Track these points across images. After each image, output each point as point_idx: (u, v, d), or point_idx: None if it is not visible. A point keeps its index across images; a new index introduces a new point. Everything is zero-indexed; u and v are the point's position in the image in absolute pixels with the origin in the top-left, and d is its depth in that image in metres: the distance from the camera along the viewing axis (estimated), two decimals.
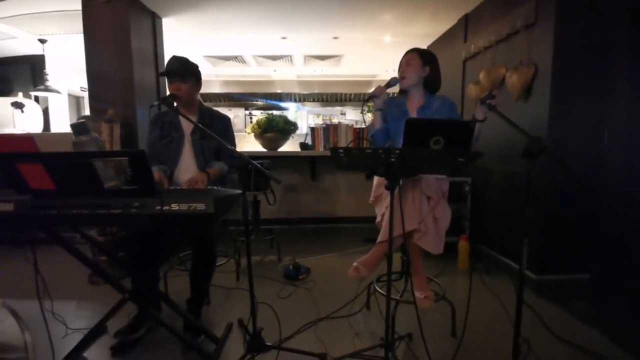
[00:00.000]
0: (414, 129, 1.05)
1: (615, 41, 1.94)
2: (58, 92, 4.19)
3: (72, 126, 1.50)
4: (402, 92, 1.74)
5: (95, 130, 2.30)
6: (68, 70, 4.71)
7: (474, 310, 1.81)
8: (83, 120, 2.06)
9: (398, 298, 1.58)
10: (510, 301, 1.78)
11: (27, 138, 0.99)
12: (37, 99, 4.42)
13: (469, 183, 2.68)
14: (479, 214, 2.70)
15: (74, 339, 1.46)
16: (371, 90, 6.98)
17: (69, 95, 5.03)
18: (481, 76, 2.57)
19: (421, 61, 1.63)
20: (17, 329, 0.93)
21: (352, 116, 7.34)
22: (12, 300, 1.96)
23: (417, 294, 1.48)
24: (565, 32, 1.96)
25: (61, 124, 4.77)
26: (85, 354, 1.45)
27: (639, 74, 1.86)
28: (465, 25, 3.05)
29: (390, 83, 1.64)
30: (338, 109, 7.37)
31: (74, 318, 1.74)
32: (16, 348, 0.92)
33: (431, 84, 1.69)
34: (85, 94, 4.28)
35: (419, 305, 1.46)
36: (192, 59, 1.82)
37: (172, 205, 1.12)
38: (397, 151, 0.99)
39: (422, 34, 3.58)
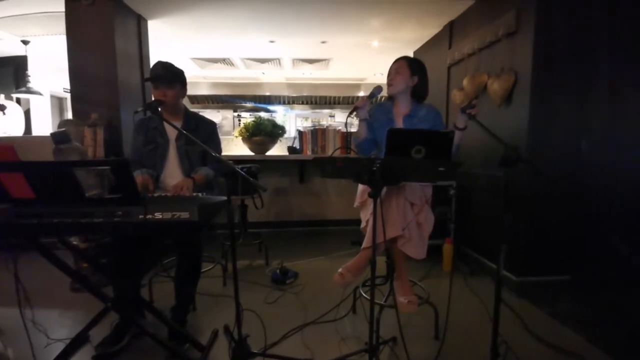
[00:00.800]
0: (395, 139, 1.08)
1: (594, 49, 2.03)
2: (40, 94, 4.09)
3: (53, 135, 1.48)
4: (390, 97, 1.77)
5: (78, 135, 2.26)
6: (51, 71, 4.61)
7: (458, 313, 1.85)
8: (63, 129, 2.02)
9: (382, 302, 1.61)
10: (491, 302, 1.82)
11: (8, 147, 0.98)
12: (18, 100, 4.31)
13: (454, 187, 2.74)
14: (463, 217, 2.76)
15: (56, 349, 1.43)
16: (360, 94, 7.04)
17: (52, 96, 4.92)
18: (465, 82, 2.63)
19: (409, 71, 1.66)
20: (1, 346, 0.92)
21: (341, 118, 7.39)
22: None
23: (401, 299, 1.50)
24: (544, 41, 2.02)
25: (43, 126, 4.66)
26: None
27: (617, 81, 1.95)
28: (450, 32, 3.11)
29: (374, 93, 1.67)
30: (327, 111, 7.41)
31: (56, 327, 1.70)
32: None
33: (418, 93, 1.72)
34: (69, 95, 4.20)
35: (403, 309, 1.49)
36: (179, 60, 1.82)
37: (156, 214, 1.12)
38: (379, 161, 1.01)
39: (409, 39, 3.64)
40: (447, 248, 2.54)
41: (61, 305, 2.00)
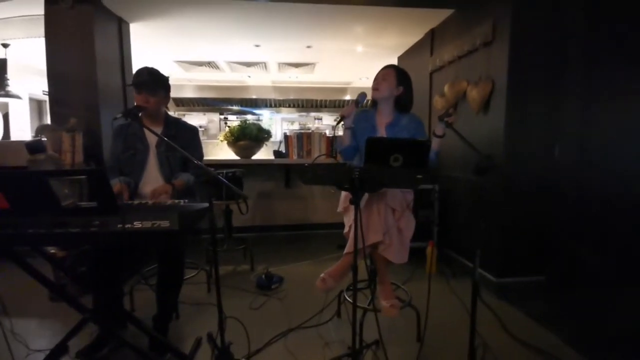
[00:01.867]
0: (374, 148, 1.11)
1: (567, 56, 2.12)
2: (19, 97, 3.97)
3: (27, 145, 1.44)
4: (374, 104, 1.79)
5: (55, 141, 2.21)
6: (30, 74, 4.48)
7: (439, 315, 1.90)
8: (38, 138, 1.98)
9: (366, 306, 1.63)
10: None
11: None
12: None
13: (437, 190, 2.80)
14: (446, 219, 2.82)
15: (36, 358, 1.40)
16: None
17: (31, 99, 4.78)
18: (446, 89, 2.70)
19: (396, 80, 1.67)
20: None
21: (328, 121, 7.44)
22: None
23: (384, 303, 1.53)
24: (519, 50, 2.10)
25: (22, 129, 4.52)
26: None
27: (590, 87, 2.03)
28: (432, 40, 3.19)
29: (358, 100, 1.68)
30: (314, 114, 7.44)
31: (35, 337, 1.65)
32: None
33: (402, 103, 1.72)
34: (47, 98, 4.09)
35: (386, 313, 1.51)
36: (163, 63, 1.80)
37: (135, 223, 1.11)
38: (358, 169, 1.03)
39: (392, 45, 3.70)
40: (430, 251, 2.59)
41: (40, 315, 1.95)
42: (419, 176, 1.09)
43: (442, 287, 2.30)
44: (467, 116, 2.50)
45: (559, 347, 1.63)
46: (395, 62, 4.07)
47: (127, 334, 1.61)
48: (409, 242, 1.60)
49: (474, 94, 2.34)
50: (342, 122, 1.64)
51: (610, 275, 1.85)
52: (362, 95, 1.71)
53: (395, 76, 1.69)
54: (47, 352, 1.40)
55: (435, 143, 1.53)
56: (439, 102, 2.86)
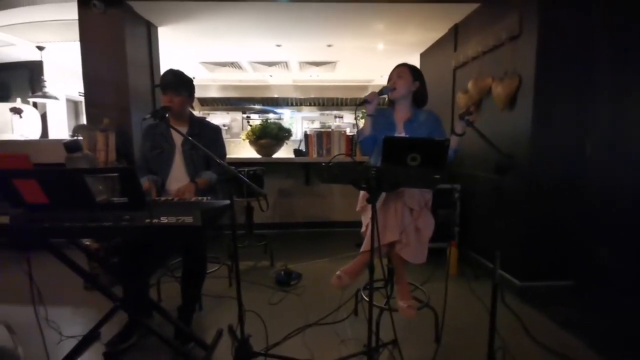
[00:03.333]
0: (391, 147, 1.11)
1: (597, 51, 2.01)
2: (56, 98, 4.23)
3: (65, 144, 1.55)
4: (391, 103, 1.79)
5: (91, 140, 2.35)
6: (66, 76, 4.77)
7: (460, 317, 1.87)
8: (75, 138, 2.11)
9: (382, 306, 1.63)
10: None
11: (23, 156, 1.04)
12: (35, 104, 4.47)
13: (458, 190, 2.74)
14: (468, 220, 2.75)
15: (68, 345, 1.50)
16: (366, 94, 7.07)
17: (67, 100, 5.08)
18: (469, 85, 2.63)
19: (412, 76, 1.70)
20: (12, 344, 0.98)
21: (349, 119, 7.42)
22: (8, 306, 2.02)
23: (401, 303, 1.53)
24: (547, 44, 2.01)
25: (59, 129, 4.82)
26: None
27: (621, 83, 1.93)
28: (455, 35, 3.11)
29: (383, 91, 1.69)
30: (335, 113, 7.44)
31: (69, 325, 1.78)
32: None
33: (419, 98, 1.75)
34: (84, 99, 4.34)
35: (403, 314, 1.51)
36: (189, 65, 1.88)
37: (161, 218, 1.17)
38: (375, 169, 1.04)
39: (414, 42, 3.64)
40: (452, 251, 2.54)
41: (74, 303, 2.09)
42: (437, 176, 1.08)
43: (463, 289, 2.25)
44: (491, 113, 2.43)
45: (584, 353, 1.56)
46: (417, 59, 4.00)
47: (154, 323, 1.70)
48: (427, 242, 1.58)
49: (499, 90, 2.26)
50: (362, 107, 1.67)
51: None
52: (388, 87, 1.70)
53: (410, 72, 1.70)
54: (80, 339, 1.50)
55: (454, 141, 1.51)
56: (462, 99, 2.79)
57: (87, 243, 2.20)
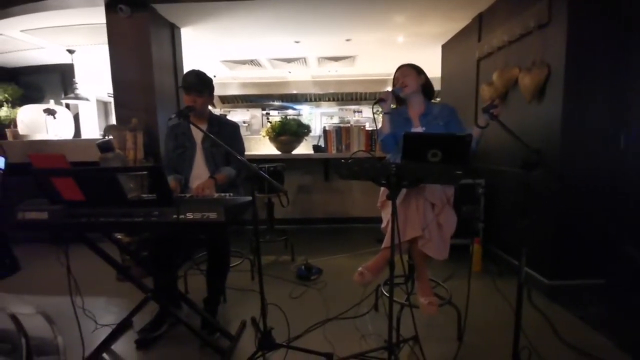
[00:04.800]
0: (412, 143, 1.10)
1: (630, 39, 1.89)
2: (87, 99, 4.44)
3: (98, 145, 1.64)
4: (402, 102, 1.82)
5: (121, 139, 2.46)
6: (96, 78, 4.98)
7: (483, 315, 1.83)
8: (107, 139, 2.23)
9: (403, 302, 1.63)
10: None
11: (59, 156, 1.12)
12: (67, 105, 4.72)
13: (483, 185, 2.67)
14: (492, 216, 2.68)
15: (103, 333, 1.60)
16: (388, 89, 6.96)
17: (98, 101, 5.33)
18: (494, 77, 2.54)
19: (415, 71, 1.74)
20: (51, 334, 1.06)
21: (368, 114, 7.35)
22: (47, 297, 2.16)
23: (422, 300, 1.52)
24: (578, 32, 1.91)
25: (91, 128, 5.06)
26: (112, 347, 1.59)
27: None
28: (480, 25, 3.00)
29: (395, 91, 1.70)
30: (353, 107, 7.39)
31: (103, 313, 1.89)
32: (50, 351, 1.05)
33: (428, 91, 1.79)
34: (113, 100, 4.53)
35: (423, 311, 1.50)
36: (210, 63, 1.92)
37: (187, 214, 1.22)
38: (394, 165, 1.03)
39: (435, 33, 3.54)
40: (476, 248, 2.49)
41: (108, 294, 2.21)
42: (458, 172, 1.06)
43: (488, 286, 2.20)
44: (518, 105, 2.34)
45: (615, 354, 1.50)
46: (438, 50, 3.90)
47: (182, 314, 1.78)
48: (449, 238, 1.56)
49: (527, 81, 2.17)
50: (379, 105, 1.70)
51: None
52: (398, 88, 1.71)
53: (413, 69, 1.75)
54: (113, 327, 1.60)
55: (476, 133, 1.49)
56: (486, 91, 2.70)
57: (119, 237, 2.32)
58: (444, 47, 3.85)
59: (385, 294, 1.78)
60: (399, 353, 1.49)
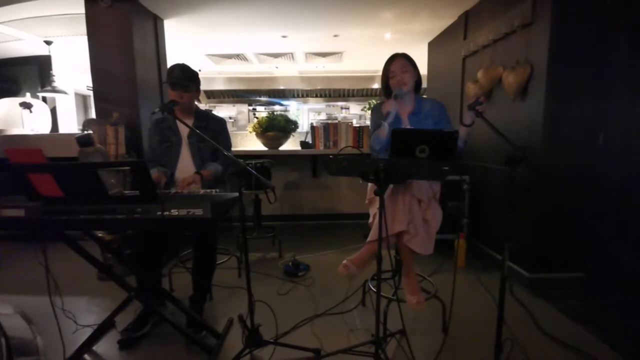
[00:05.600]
0: (400, 139, 1.10)
1: (613, 41, 1.95)
2: (65, 92, 4.28)
3: (77, 139, 1.58)
4: (392, 96, 1.76)
5: (101, 134, 2.38)
6: (74, 70, 4.80)
7: (467, 308, 1.87)
8: (87, 133, 2.15)
9: (390, 296, 1.64)
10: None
11: (36, 151, 1.06)
12: (44, 98, 4.53)
13: (468, 181, 2.71)
14: (477, 211, 2.74)
15: (84, 334, 1.55)
16: (374, 86, 6.97)
17: (76, 94, 5.14)
18: (479, 75, 2.58)
19: (412, 66, 1.69)
20: (30, 334, 1.02)
21: (355, 111, 7.36)
22: (25, 297, 2.08)
23: (409, 297, 1.54)
24: (561, 32, 1.96)
25: (69, 122, 4.88)
26: (94, 348, 1.55)
27: (636, 74, 1.87)
28: (466, 23, 3.04)
29: (397, 94, 1.66)
30: (341, 104, 7.39)
31: (84, 314, 1.84)
32: (30, 352, 1.01)
33: (418, 85, 1.75)
34: (92, 93, 4.37)
35: (412, 309, 1.52)
36: (194, 57, 1.87)
37: (172, 211, 1.19)
38: (383, 161, 1.03)
39: (423, 30, 3.57)
40: (460, 243, 2.53)
41: (89, 293, 2.15)
42: (445, 168, 1.08)
43: (472, 281, 2.25)
44: (502, 103, 2.39)
45: (595, 345, 1.56)
46: (425, 48, 3.94)
47: (167, 312, 1.74)
48: (435, 234, 1.58)
49: (511, 80, 2.22)
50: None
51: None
52: (399, 90, 1.67)
53: (410, 63, 1.69)
54: (94, 328, 1.55)
55: (463, 132, 1.50)
56: (471, 89, 2.74)
57: (100, 235, 2.25)
58: (430, 44, 3.89)
59: (373, 289, 1.79)
60: (386, 347, 1.51)
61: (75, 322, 1.64)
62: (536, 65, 2.08)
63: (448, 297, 1.68)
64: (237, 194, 1.41)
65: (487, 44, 2.57)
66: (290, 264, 2.44)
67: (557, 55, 1.97)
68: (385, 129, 1.58)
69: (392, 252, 1.73)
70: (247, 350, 1.44)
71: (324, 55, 4.87)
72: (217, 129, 1.90)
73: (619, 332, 1.67)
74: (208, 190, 1.51)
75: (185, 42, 3.95)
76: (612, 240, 2.00)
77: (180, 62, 1.85)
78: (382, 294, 1.31)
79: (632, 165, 1.90)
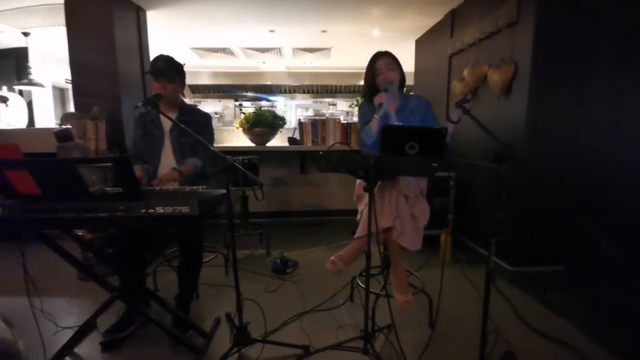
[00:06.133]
0: (390, 136, 1.10)
1: (595, 40, 2.01)
2: (42, 85, 4.11)
3: (56, 134, 1.51)
4: (375, 94, 1.77)
5: (80, 128, 2.29)
6: (52, 62, 4.61)
7: (453, 302, 1.91)
8: (66, 127, 2.06)
9: (378, 292, 1.66)
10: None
11: (13, 146, 1.01)
12: (21, 92, 4.33)
13: (453, 177, 2.76)
14: (462, 207, 2.79)
15: (65, 336, 1.50)
16: (361, 82, 7.02)
17: (54, 87, 4.94)
18: (465, 73, 2.62)
19: (397, 65, 1.72)
20: (11, 337, 0.98)
21: (343, 107, 7.37)
22: (3, 298, 2.00)
23: (398, 296, 1.55)
24: (545, 31, 2.00)
25: (46, 117, 4.69)
26: (75, 350, 1.50)
27: (618, 73, 1.93)
28: (452, 21, 3.07)
29: (386, 89, 1.67)
30: (328, 100, 7.38)
31: (64, 315, 1.77)
32: (11, 355, 0.96)
33: (402, 83, 1.78)
34: (70, 86, 4.21)
35: (399, 308, 1.53)
36: (179, 50, 1.82)
37: (157, 209, 1.16)
38: (373, 157, 1.03)
39: (410, 28, 3.59)
40: (446, 238, 2.58)
41: (69, 294, 2.07)
42: (434, 164, 1.09)
43: (457, 275, 2.30)
44: (487, 101, 2.43)
45: (574, 336, 1.62)
46: (412, 45, 3.96)
47: (151, 312, 1.70)
48: (422, 229, 1.60)
49: (496, 78, 2.26)
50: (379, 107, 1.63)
51: (632, 267, 1.80)
52: (388, 84, 1.68)
53: (395, 62, 1.72)
54: (75, 329, 1.50)
55: (449, 128, 1.51)
56: (457, 87, 2.78)
57: (80, 233, 2.18)
58: (417, 42, 3.92)
59: (361, 284, 1.80)
60: (374, 342, 1.52)
61: (55, 324, 1.59)
62: (520, 64, 2.12)
63: (434, 291, 1.71)
64: (224, 191, 1.39)
65: (473, 43, 2.61)
66: (278, 260, 2.42)
67: (540, 54, 2.01)
68: (376, 122, 1.58)
69: (381, 248, 1.74)
70: (235, 349, 1.42)
71: (311, 50, 4.84)
72: (201, 124, 1.85)
73: (596, 322, 1.74)
74: (194, 187, 1.48)
75: (169, 34, 3.85)
76: (592, 234, 2.07)
77: (165, 54, 1.80)
78: (370, 290, 1.31)
79: (613, 161, 1.97)
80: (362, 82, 1.77)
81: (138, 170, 1.65)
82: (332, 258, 1.56)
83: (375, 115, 1.60)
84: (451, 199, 2.75)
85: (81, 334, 1.49)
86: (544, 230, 2.17)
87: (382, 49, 1.78)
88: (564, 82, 2.06)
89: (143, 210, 1.15)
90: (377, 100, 1.67)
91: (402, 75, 1.75)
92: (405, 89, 1.84)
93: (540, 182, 2.13)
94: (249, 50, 4.84)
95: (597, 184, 2.05)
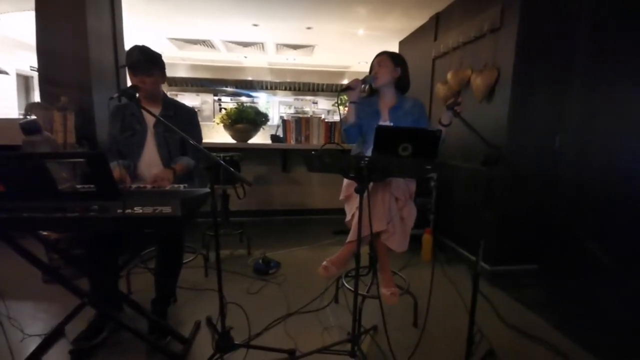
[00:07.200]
0: (383, 136, 1.08)
1: (575, 46, 2.08)
2: (6, 73, 3.81)
3: (22, 126, 1.38)
4: (374, 92, 1.78)
5: (47, 120, 2.13)
6: (16, 48, 4.28)
7: (434, 301, 1.91)
8: (33, 118, 1.89)
9: (365, 293, 1.64)
10: (467, 290, 1.90)
11: None
12: None
13: (435, 179, 2.80)
14: (443, 208, 2.83)
15: (32, 343, 1.39)
16: (345, 81, 7.00)
17: (18, 75, 4.59)
18: (449, 76, 2.66)
19: (392, 63, 1.70)
20: None
21: (324, 106, 7.35)
22: None
23: (384, 290, 1.54)
24: (527, 37, 2.06)
25: (9, 106, 4.36)
26: (43, 359, 1.38)
27: (596, 78, 2.01)
28: (436, 24, 3.11)
29: (366, 80, 1.67)
30: (310, 98, 7.33)
31: (31, 321, 1.63)
32: None
33: (402, 84, 1.76)
34: (36, 74, 3.92)
35: (386, 301, 1.53)
36: (155, 40, 1.72)
37: (135, 208, 1.08)
38: (366, 159, 1.01)
39: (395, 29, 3.61)
40: (427, 238, 2.61)
41: (34, 298, 1.92)
42: (428, 166, 1.08)
43: (437, 274, 2.33)
44: (470, 105, 2.48)
45: (549, 332, 1.68)
46: (396, 46, 3.99)
47: (125, 318, 1.60)
48: (409, 231, 1.60)
49: (479, 82, 2.30)
50: (344, 93, 1.65)
51: (605, 265, 1.89)
52: (372, 77, 1.68)
53: (390, 60, 1.71)
54: (43, 337, 1.39)
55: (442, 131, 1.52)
56: (441, 90, 2.82)
57: (45, 234, 2.02)
58: (401, 43, 3.95)
59: (346, 285, 1.78)
60: (361, 344, 1.51)
61: (21, 331, 1.46)
62: (503, 69, 2.17)
63: (417, 291, 1.73)
64: (207, 190, 1.32)
65: (457, 46, 2.65)
66: (261, 261, 2.36)
67: (522, 59, 2.07)
68: (352, 108, 1.63)
69: (366, 249, 1.73)
70: (217, 356, 1.36)
71: (295, 47, 4.77)
72: (187, 120, 1.76)
73: (570, 317, 1.82)
74: (175, 186, 1.40)
75: (145, 22, 3.66)
76: (566, 234, 2.16)
77: (140, 44, 1.68)
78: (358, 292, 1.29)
79: (588, 164, 2.05)
80: (345, 81, 1.76)
81: (117, 169, 1.54)
82: (324, 263, 1.53)
83: (350, 102, 1.63)
84: (433, 199, 2.79)
85: (49, 342, 1.38)
86: (520, 230, 2.25)
87: (365, 49, 1.80)
88: (545, 86, 2.13)
89: (119, 211, 1.06)
90: (349, 83, 1.65)
91: (401, 75, 1.73)
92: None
93: (518, 184, 2.19)
94: (230, 44, 4.71)
95: (572, 185, 2.14)
